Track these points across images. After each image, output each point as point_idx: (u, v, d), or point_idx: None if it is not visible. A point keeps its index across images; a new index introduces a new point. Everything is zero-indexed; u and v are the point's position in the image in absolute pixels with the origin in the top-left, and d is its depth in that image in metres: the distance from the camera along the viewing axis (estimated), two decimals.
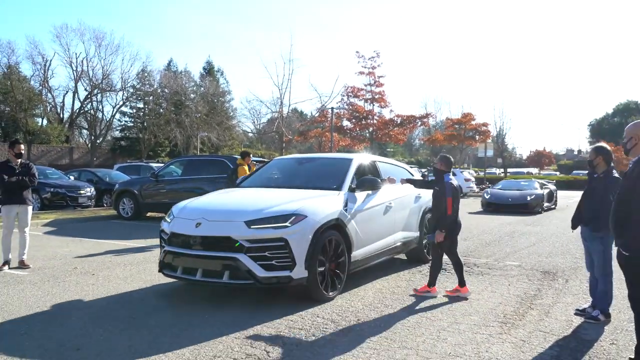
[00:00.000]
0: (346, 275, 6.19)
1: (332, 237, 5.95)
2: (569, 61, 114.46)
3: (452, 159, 6.78)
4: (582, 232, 5.72)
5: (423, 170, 30.70)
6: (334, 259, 6.01)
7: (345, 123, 38.09)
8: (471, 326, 5.11)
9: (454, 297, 6.21)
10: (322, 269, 5.77)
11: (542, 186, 21.08)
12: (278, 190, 6.74)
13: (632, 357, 4.17)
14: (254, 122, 61.29)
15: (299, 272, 5.49)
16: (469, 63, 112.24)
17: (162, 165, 22.27)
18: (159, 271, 6.17)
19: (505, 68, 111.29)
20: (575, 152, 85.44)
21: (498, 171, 56.75)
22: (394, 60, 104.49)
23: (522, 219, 16.79)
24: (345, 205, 6.28)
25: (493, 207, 19.79)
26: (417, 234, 8.18)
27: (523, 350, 4.46)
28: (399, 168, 8.70)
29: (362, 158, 7.59)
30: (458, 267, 6.41)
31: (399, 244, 7.62)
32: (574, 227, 5.82)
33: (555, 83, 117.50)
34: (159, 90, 52.04)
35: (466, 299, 6.18)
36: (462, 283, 6.37)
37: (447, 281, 6.99)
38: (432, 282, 6.41)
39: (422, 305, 5.89)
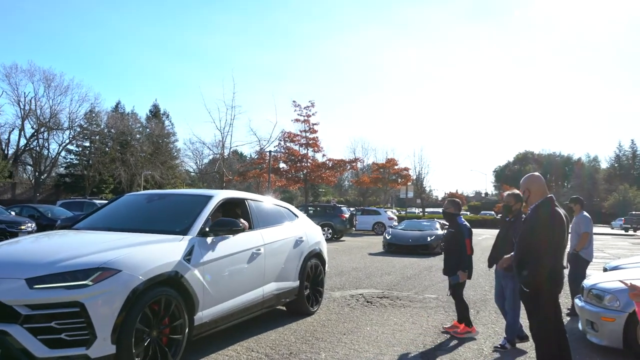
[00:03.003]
0: (184, 344, 4.49)
1: (163, 296, 4.27)
2: (478, 115, 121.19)
3: (460, 202, 6.52)
4: (497, 270, 5.81)
5: (352, 209, 31.10)
6: (166, 325, 4.35)
7: (282, 165, 38.17)
8: (395, 357, 5.09)
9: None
10: (144, 339, 4.09)
11: (442, 226, 18.79)
12: (107, 235, 4.93)
13: None
14: (197, 162, 60.14)
15: (102, 347, 3.77)
16: (394, 114, 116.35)
17: (105, 202, 21.32)
18: None
19: (425, 119, 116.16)
20: (483, 195, 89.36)
21: (417, 210, 58.30)
22: (327, 109, 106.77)
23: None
24: (189, 253, 4.66)
25: (394, 247, 17.23)
26: (296, 283, 6.57)
27: None
28: (280, 208, 7.07)
29: (227, 195, 5.96)
30: (466, 307, 6.17)
31: (271, 296, 6.04)
32: (490, 265, 5.95)
33: (467, 134, 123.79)
34: (105, 130, 50.38)
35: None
36: (469, 322, 6.11)
37: (398, 314, 6.97)
38: (468, 322, 6.10)
39: (349, 339, 5.80)
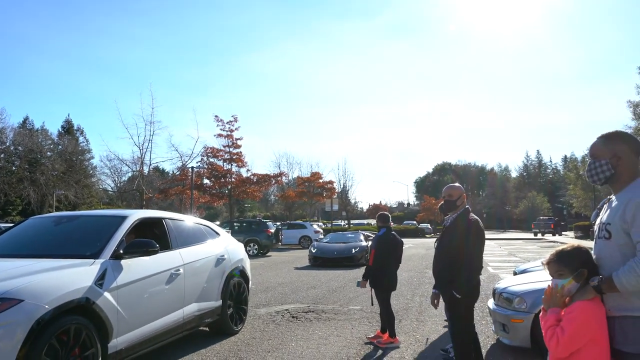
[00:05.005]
0: None
1: (72, 325, 4.04)
2: (399, 127, 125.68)
3: (388, 215, 6.67)
4: None
5: (277, 223, 31.02)
6: (76, 355, 4.07)
7: (205, 181, 37.38)
8: None
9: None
10: None
11: (366, 238, 19.17)
12: (9, 262, 4.55)
13: None
14: (115, 180, 57.39)
15: None
16: (318, 128, 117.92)
17: (10, 225, 19.85)
18: None
19: (348, 132, 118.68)
20: (405, 205, 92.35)
21: (343, 223, 59.17)
22: (251, 124, 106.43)
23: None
24: (102, 278, 4.44)
25: (320, 261, 17.25)
26: (218, 303, 6.42)
27: None
28: (200, 226, 6.88)
29: (143, 215, 5.71)
30: (392, 317, 6.29)
31: (192, 318, 5.87)
32: None
33: (388, 146, 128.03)
34: (12, 148, 46.96)
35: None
36: (393, 333, 6.20)
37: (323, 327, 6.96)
38: (392, 333, 6.15)
39: (273, 357, 5.73)
